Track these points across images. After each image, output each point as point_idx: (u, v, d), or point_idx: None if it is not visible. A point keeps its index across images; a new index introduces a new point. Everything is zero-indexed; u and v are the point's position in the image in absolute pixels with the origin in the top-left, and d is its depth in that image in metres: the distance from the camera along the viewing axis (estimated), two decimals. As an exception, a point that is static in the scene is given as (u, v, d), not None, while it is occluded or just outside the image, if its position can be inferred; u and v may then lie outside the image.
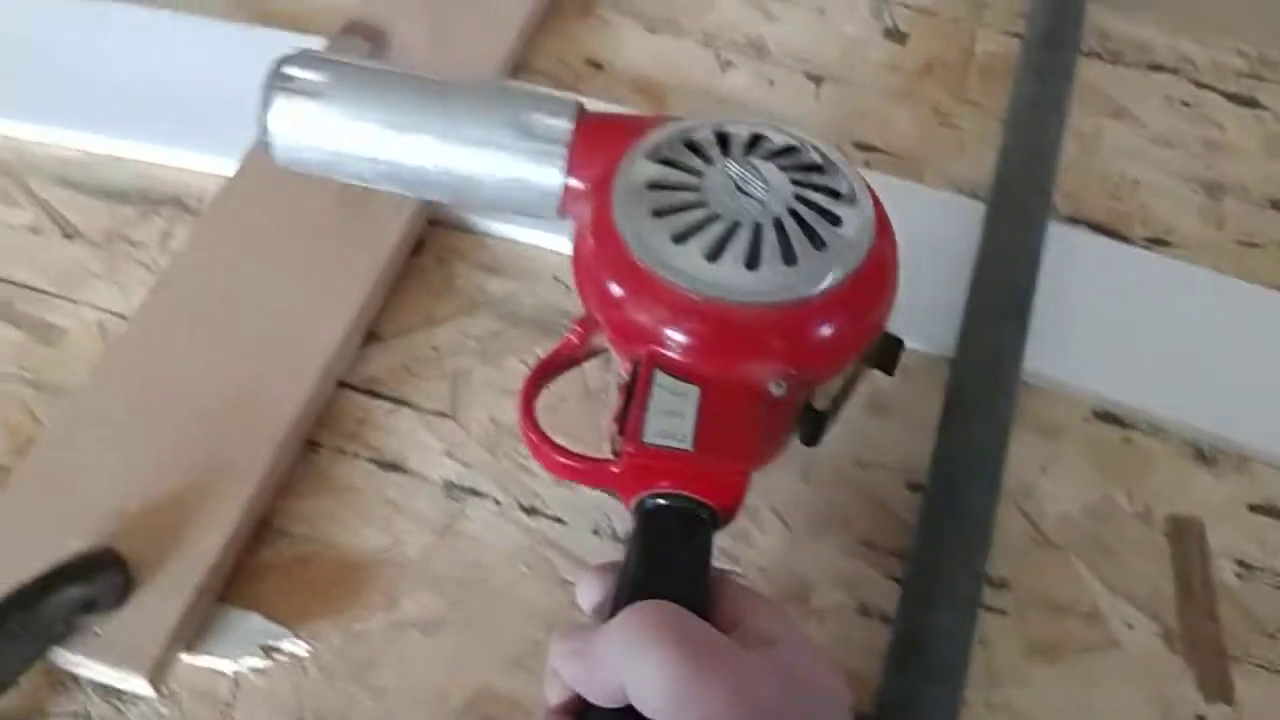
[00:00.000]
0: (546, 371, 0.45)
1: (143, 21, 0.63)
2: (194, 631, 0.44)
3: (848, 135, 0.62)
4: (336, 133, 0.46)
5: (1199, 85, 0.66)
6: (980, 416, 0.48)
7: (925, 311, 0.54)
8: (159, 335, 0.50)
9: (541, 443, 0.42)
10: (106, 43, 0.62)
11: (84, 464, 0.46)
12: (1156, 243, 0.59)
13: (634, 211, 0.42)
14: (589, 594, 0.38)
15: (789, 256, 0.40)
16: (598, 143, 0.45)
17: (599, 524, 0.49)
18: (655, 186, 0.42)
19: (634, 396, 0.40)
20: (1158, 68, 0.67)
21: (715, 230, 0.41)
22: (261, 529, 0.48)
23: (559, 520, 0.49)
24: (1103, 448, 0.52)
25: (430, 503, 0.49)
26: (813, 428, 0.45)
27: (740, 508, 0.39)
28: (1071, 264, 0.56)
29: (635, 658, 0.31)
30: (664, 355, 0.40)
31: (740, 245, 0.40)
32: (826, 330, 0.41)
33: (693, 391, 0.40)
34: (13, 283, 0.54)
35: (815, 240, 0.41)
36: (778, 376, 0.40)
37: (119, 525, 0.45)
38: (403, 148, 0.46)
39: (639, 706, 0.31)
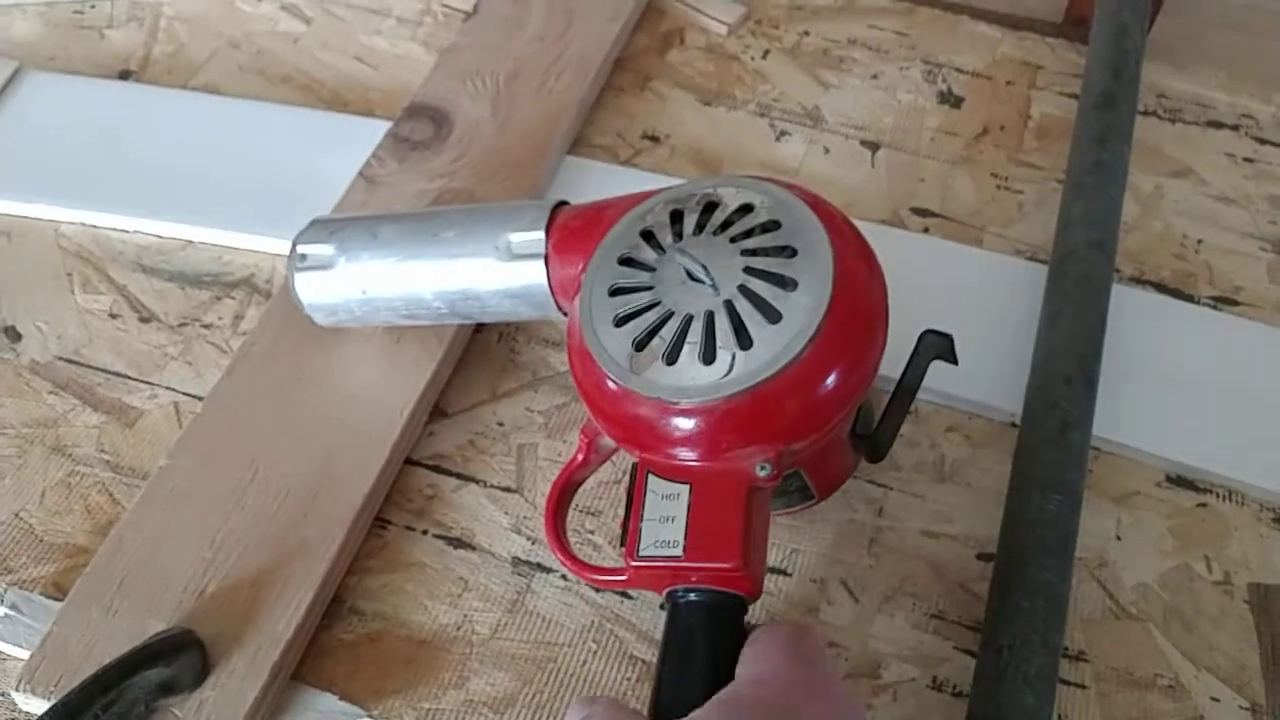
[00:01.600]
0: (564, 494, 0.46)
1: (216, 110, 0.66)
2: (270, 712, 0.45)
3: (905, 201, 0.62)
4: (354, 290, 0.51)
5: (1261, 141, 0.65)
6: (1050, 485, 0.47)
7: (988, 377, 0.54)
8: (232, 416, 0.52)
9: (575, 565, 0.44)
10: (180, 131, 0.64)
11: (161, 545, 0.47)
12: (1224, 302, 0.58)
13: (599, 322, 0.43)
14: None
15: (744, 340, 0.40)
16: (573, 244, 0.47)
17: (666, 599, 0.49)
18: (615, 292, 0.43)
19: (631, 504, 0.41)
20: (1218, 125, 0.66)
21: (671, 330, 0.41)
22: (333, 606, 0.48)
23: (626, 596, 0.49)
24: (1178, 514, 0.51)
25: (499, 579, 0.49)
26: (870, 449, 0.45)
27: (759, 588, 0.40)
28: (1137, 326, 0.56)
29: None
30: (651, 459, 0.41)
31: (695, 341, 0.41)
32: (797, 401, 0.40)
33: (683, 491, 0.40)
34: (93, 367, 0.56)
35: (769, 314, 0.40)
36: (759, 460, 0.40)
37: (196, 605, 0.46)
38: (409, 285, 0.50)
39: None
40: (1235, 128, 0.66)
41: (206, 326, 0.57)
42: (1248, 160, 0.65)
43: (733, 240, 0.43)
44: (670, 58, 0.70)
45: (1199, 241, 0.61)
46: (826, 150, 0.65)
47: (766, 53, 0.70)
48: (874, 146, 0.65)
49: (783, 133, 0.66)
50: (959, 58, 0.70)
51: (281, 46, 0.71)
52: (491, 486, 0.52)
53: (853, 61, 0.70)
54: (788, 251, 0.42)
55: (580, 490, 0.48)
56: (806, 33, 0.71)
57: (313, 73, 0.69)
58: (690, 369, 0.40)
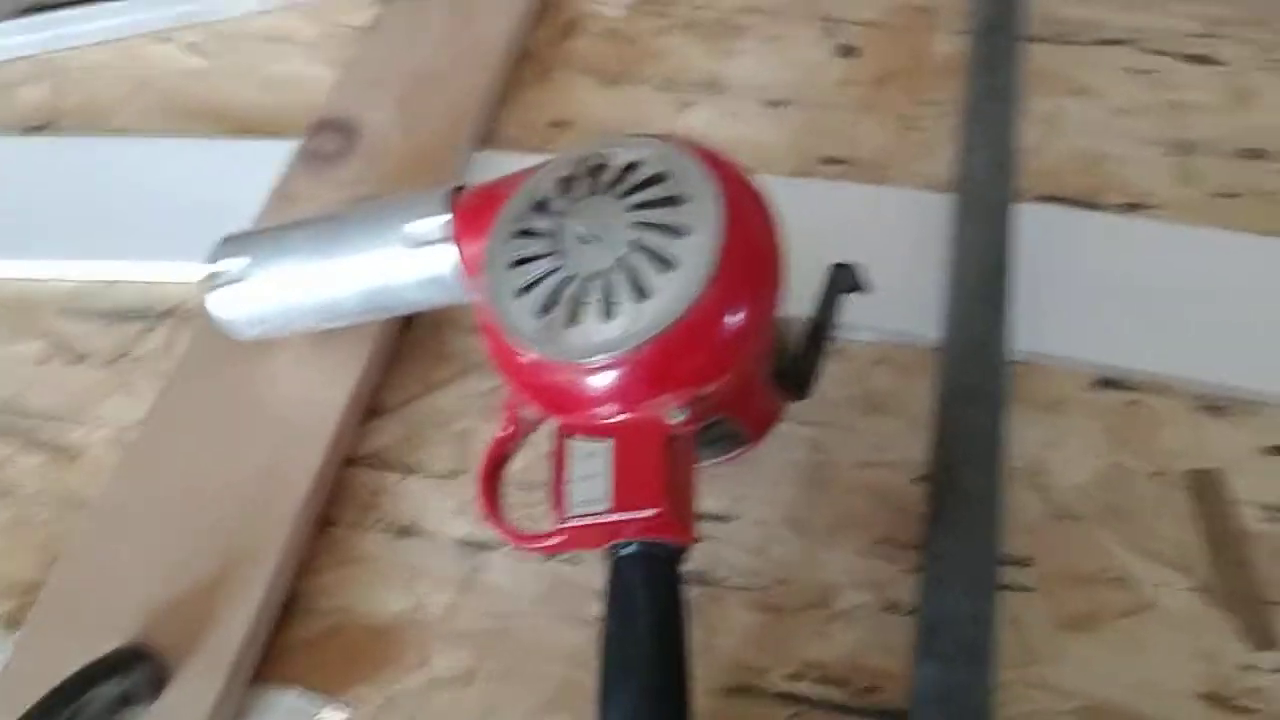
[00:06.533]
0: (494, 466, 0.46)
1: (125, 151, 0.67)
2: (234, 715, 0.45)
3: (815, 153, 0.63)
4: (270, 300, 0.51)
5: (1154, 52, 0.67)
6: (973, 397, 0.48)
7: (911, 306, 0.55)
8: (170, 436, 0.52)
9: (510, 534, 0.45)
10: (93, 177, 0.65)
11: (109, 567, 0.48)
12: (1134, 208, 0.59)
13: (504, 295, 0.43)
14: None
15: (642, 292, 0.41)
16: (475, 224, 0.47)
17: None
18: (515, 264, 0.44)
19: (555, 467, 0.42)
20: (1111, 42, 0.68)
21: (569, 293, 0.42)
22: (288, 609, 0.48)
23: (573, 561, 0.49)
24: (1109, 414, 0.52)
25: (448, 561, 0.50)
26: (795, 383, 0.46)
27: (690, 532, 0.41)
28: (1050, 239, 0.57)
29: None
30: (571, 421, 0.42)
31: (594, 300, 0.41)
32: (702, 344, 0.41)
33: (604, 448, 0.41)
34: (29, 413, 0.56)
35: (663, 262, 0.41)
36: (674, 407, 0.41)
37: (149, 621, 0.46)
38: (323, 287, 0.51)
39: None
40: (1128, 42, 0.67)
41: (139, 359, 0.58)
42: (1143, 72, 0.66)
43: (620, 197, 0.43)
44: (570, 46, 0.71)
45: (1104, 154, 0.62)
46: (734, 115, 0.66)
47: (663, 30, 0.71)
48: (778, 105, 0.66)
49: (687, 104, 0.67)
50: (854, 11, 0.71)
51: (188, 84, 0.71)
52: (434, 475, 0.53)
53: (749, 28, 0.71)
54: (676, 200, 0.43)
55: (524, 465, 0.48)
56: (700, 6, 0.72)
57: (221, 105, 0.70)
58: (594, 328, 0.41)
